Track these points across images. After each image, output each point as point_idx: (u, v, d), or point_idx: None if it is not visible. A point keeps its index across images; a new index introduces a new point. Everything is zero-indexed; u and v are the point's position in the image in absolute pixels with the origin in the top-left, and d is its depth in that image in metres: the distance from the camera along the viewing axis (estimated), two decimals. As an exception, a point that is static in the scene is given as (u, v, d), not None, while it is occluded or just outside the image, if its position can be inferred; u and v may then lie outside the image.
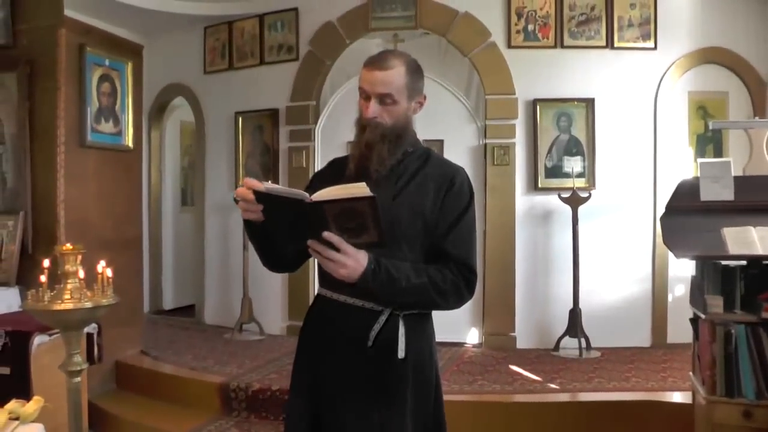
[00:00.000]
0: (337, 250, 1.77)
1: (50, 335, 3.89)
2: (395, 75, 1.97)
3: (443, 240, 1.96)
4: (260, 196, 1.73)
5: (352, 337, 1.95)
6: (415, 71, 2.05)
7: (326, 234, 1.74)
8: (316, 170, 6.37)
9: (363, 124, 2.00)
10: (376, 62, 1.99)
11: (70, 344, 2.65)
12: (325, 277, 1.98)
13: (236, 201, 1.83)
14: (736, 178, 3.60)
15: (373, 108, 1.97)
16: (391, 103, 1.97)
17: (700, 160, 3.86)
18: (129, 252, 5.40)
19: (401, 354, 1.92)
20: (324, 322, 2.04)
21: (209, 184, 7.32)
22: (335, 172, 2.09)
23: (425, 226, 1.96)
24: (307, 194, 1.69)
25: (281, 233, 1.87)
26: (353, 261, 1.78)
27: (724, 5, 6.08)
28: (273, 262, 2.11)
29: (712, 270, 3.40)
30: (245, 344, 6.21)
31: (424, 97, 2.10)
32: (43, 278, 2.59)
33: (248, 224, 1.91)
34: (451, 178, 2.01)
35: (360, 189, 1.65)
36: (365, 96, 2.00)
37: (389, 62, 1.98)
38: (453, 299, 1.96)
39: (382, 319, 1.94)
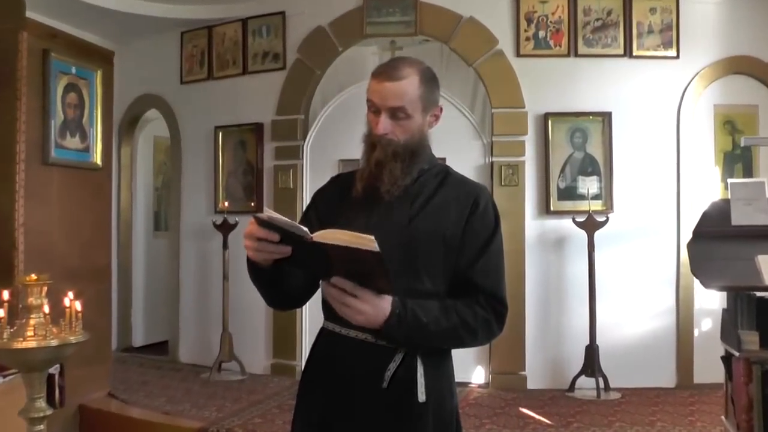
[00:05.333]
0: (353, 294, 1.72)
1: (4, 377, 3.83)
2: (408, 86, 1.93)
3: (470, 269, 1.91)
4: (262, 224, 1.72)
5: (365, 378, 1.88)
6: (430, 80, 2.01)
7: (335, 279, 1.70)
8: (304, 191, 6.42)
9: (373, 141, 1.95)
10: (387, 72, 1.94)
11: (32, 387, 2.60)
12: (332, 310, 1.91)
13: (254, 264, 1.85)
14: (771, 200, 3.60)
15: (384, 123, 1.92)
16: (404, 117, 1.93)
17: (730, 180, 3.86)
18: (96, 282, 5.35)
19: (422, 397, 1.86)
20: (331, 362, 1.97)
21: (185, 206, 7.31)
22: (340, 192, 2.06)
23: (447, 253, 1.91)
24: (307, 231, 1.66)
25: (288, 265, 1.85)
26: (372, 307, 1.73)
27: (753, 10, 6.13)
28: (278, 303, 2.07)
29: (746, 302, 3.39)
30: (225, 385, 6.15)
31: (440, 109, 2.05)
32: (1, 312, 2.55)
33: (253, 267, 1.87)
34: (474, 199, 1.97)
35: (367, 241, 1.60)
36: (374, 110, 1.96)
37: (401, 72, 1.94)
38: (483, 337, 1.92)
39: (398, 357, 1.87)
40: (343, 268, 1.70)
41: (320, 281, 1.77)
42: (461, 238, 1.92)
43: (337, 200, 1.97)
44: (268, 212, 1.68)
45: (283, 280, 1.93)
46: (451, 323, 1.84)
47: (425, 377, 1.88)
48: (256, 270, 1.88)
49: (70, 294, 2.69)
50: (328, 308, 1.95)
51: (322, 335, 2.04)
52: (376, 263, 1.64)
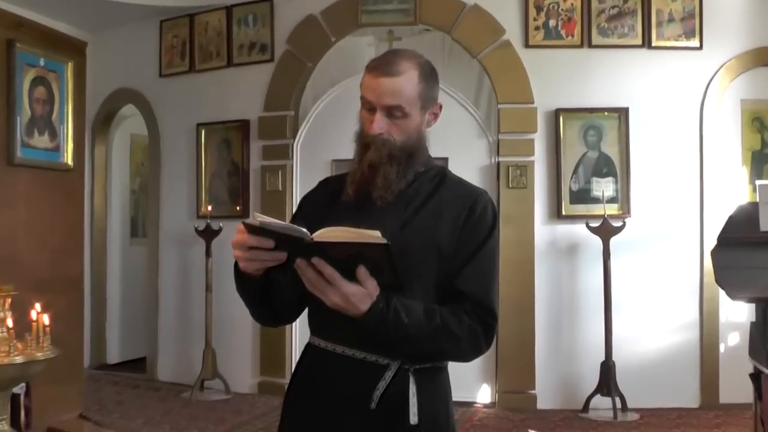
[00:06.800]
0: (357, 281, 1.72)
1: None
2: (406, 82, 1.93)
3: (457, 275, 1.91)
4: (254, 231, 1.70)
5: (352, 397, 1.88)
6: (430, 76, 2.01)
7: (316, 260, 1.67)
8: (294, 194, 6.40)
9: (366, 141, 1.96)
10: (382, 66, 1.94)
11: (-6, 408, 2.60)
12: (319, 324, 1.94)
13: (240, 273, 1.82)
14: (804, 204, 3.59)
15: (379, 122, 1.93)
16: (400, 116, 1.93)
17: (759, 182, 3.86)
18: (67, 294, 5.33)
19: (413, 419, 1.85)
20: (317, 380, 1.98)
21: (165, 211, 7.29)
22: (329, 196, 2.06)
23: (440, 262, 1.91)
24: (306, 232, 1.65)
25: (283, 274, 1.83)
26: (357, 299, 1.71)
27: (782, -4, 6.14)
28: (267, 318, 2.05)
29: (776, 315, 3.39)
30: (208, 405, 6.15)
31: (440, 107, 2.06)
32: (-38, 327, 2.54)
33: (242, 278, 1.86)
34: (471, 204, 1.97)
35: (372, 236, 1.62)
36: (369, 107, 1.96)
37: (398, 66, 1.93)
38: (468, 349, 1.92)
39: (389, 375, 1.87)
40: (345, 268, 1.70)
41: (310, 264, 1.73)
42: (455, 246, 1.92)
43: (326, 205, 1.97)
44: (259, 217, 1.66)
45: (273, 293, 1.92)
46: (433, 327, 1.83)
47: (418, 397, 1.88)
48: (244, 281, 1.86)
49: (38, 306, 2.68)
50: (314, 322, 1.96)
51: (308, 351, 2.04)
52: (383, 258, 1.66)
